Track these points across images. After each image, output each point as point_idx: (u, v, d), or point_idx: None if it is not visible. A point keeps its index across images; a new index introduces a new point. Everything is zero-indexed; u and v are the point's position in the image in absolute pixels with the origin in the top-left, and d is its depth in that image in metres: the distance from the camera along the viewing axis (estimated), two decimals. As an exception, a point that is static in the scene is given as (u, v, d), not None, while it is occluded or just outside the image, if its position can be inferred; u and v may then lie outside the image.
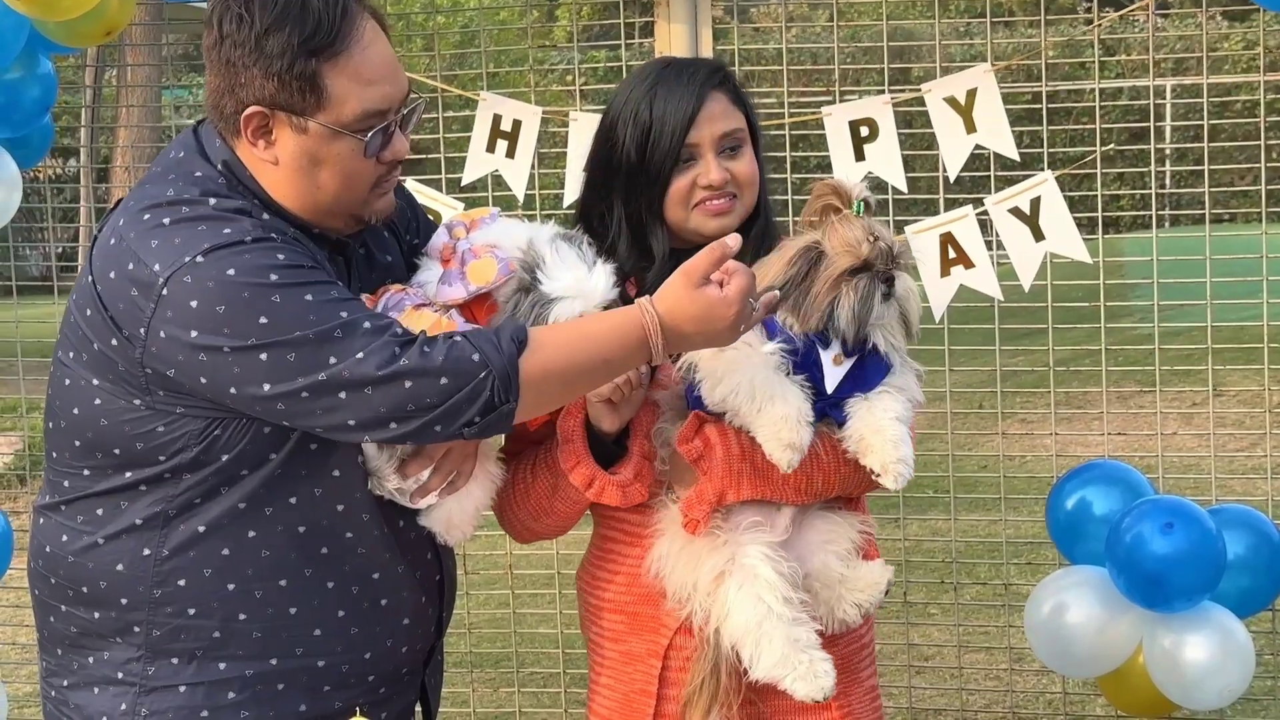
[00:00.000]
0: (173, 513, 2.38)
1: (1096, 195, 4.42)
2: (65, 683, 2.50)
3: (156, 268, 2.27)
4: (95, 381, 2.37)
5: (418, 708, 2.71)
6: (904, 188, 4.03)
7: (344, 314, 2.25)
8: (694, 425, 2.49)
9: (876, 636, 2.80)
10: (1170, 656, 3.60)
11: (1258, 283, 4.33)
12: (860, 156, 3.95)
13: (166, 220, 2.31)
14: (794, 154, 4.43)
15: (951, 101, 3.92)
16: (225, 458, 2.35)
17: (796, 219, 2.62)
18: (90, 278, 2.36)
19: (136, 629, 2.41)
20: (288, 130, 2.34)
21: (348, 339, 2.23)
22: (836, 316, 2.42)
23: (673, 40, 4.18)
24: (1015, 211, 3.89)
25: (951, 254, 3.90)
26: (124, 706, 2.42)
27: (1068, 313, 4.49)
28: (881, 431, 2.42)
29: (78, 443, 2.42)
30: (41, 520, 2.50)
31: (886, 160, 3.96)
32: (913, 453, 2.44)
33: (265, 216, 2.35)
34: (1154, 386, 4.43)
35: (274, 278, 2.25)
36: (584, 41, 6.28)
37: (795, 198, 4.34)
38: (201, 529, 2.38)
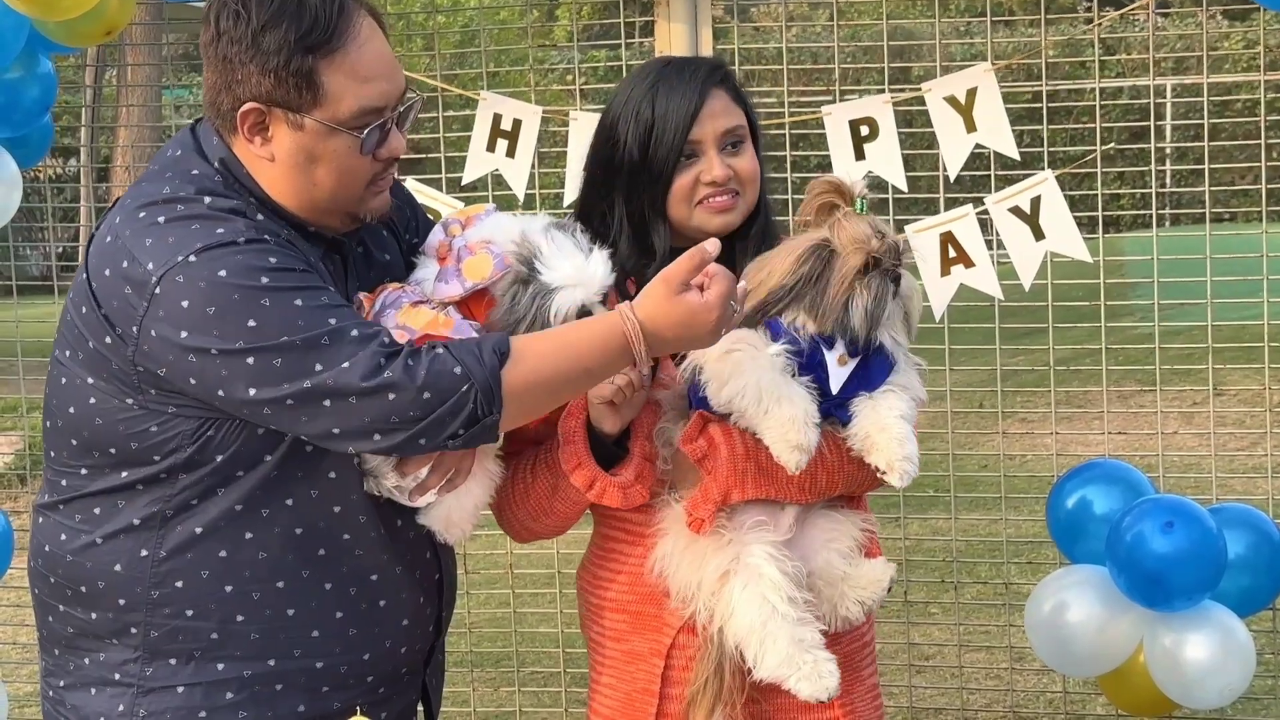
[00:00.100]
0: (170, 513, 2.38)
1: (1097, 194, 4.42)
2: (62, 683, 2.50)
3: (150, 266, 2.27)
4: (90, 380, 2.37)
5: (420, 707, 2.71)
6: (904, 187, 4.03)
7: (332, 320, 2.25)
8: (698, 425, 2.49)
9: (877, 636, 2.80)
10: (1171, 655, 3.59)
11: (1258, 282, 4.33)
12: (860, 156, 3.95)
13: (161, 219, 2.31)
14: (794, 153, 4.43)
15: (952, 101, 3.92)
16: (220, 458, 2.35)
17: (797, 218, 2.62)
18: (86, 275, 2.37)
19: (134, 630, 2.41)
20: (284, 127, 2.34)
21: (334, 346, 2.23)
22: (850, 316, 2.42)
23: (673, 40, 4.18)
24: (1015, 211, 3.89)
25: (952, 253, 3.90)
26: (122, 707, 2.42)
27: (1068, 312, 4.49)
28: (887, 430, 2.42)
29: (74, 442, 2.42)
30: (41, 519, 2.50)
31: (887, 159, 3.96)
32: (918, 451, 2.44)
33: (259, 217, 2.35)
34: (1154, 386, 4.43)
35: (265, 280, 2.24)
36: (584, 41, 6.27)
37: (795, 197, 4.33)
38: (199, 530, 2.38)
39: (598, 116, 2.71)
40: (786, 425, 2.37)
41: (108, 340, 2.33)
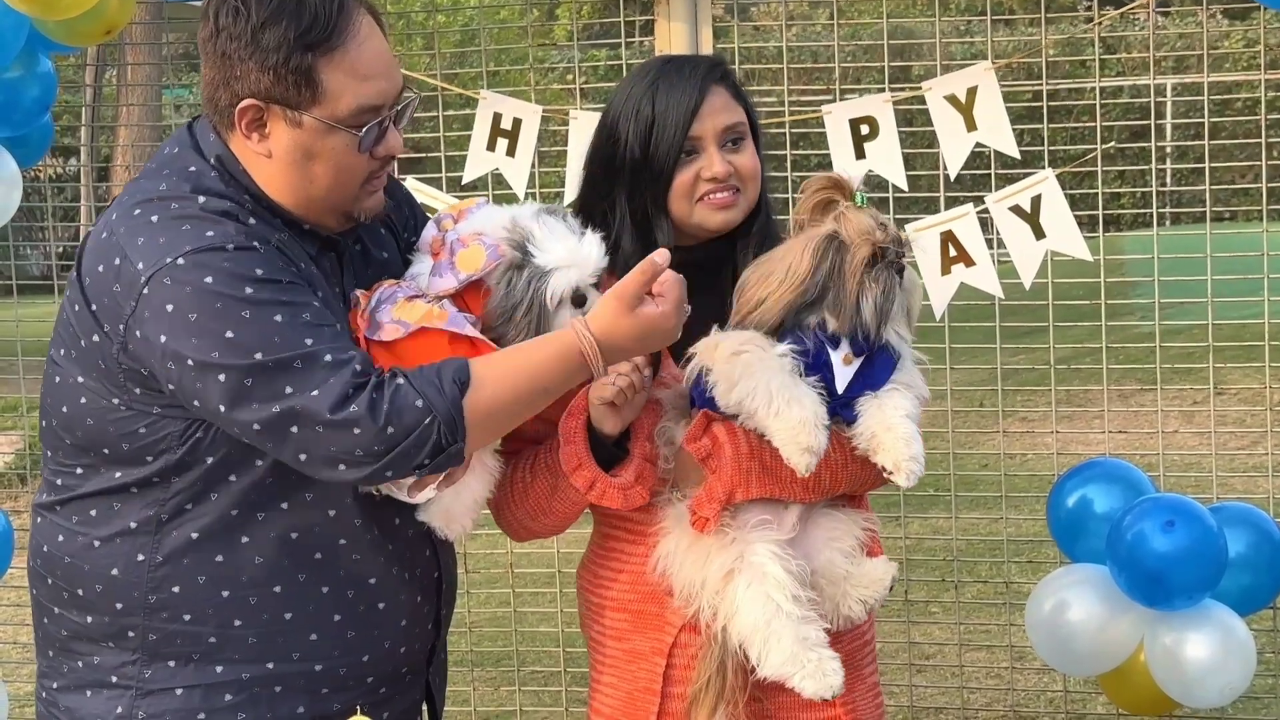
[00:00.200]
0: (164, 517, 2.38)
1: (1097, 193, 4.42)
2: (55, 685, 2.50)
3: (140, 266, 2.27)
4: (80, 379, 2.38)
5: (424, 707, 2.71)
6: (905, 186, 4.03)
7: (309, 341, 2.25)
8: (702, 424, 2.49)
9: (878, 635, 2.80)
10: (1171, 654, 3.59)
11: (1259, 281, 4.33)
12: (861, 155, 3.95)
13: (155, 218, 2.31)
14: (794, 152, 4.43)
15: (952, 100, 3.92)
16: (210, 460, 2.35)
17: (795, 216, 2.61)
18: (79, 271, 2.38)
19: (132, 633, 2.42)
20: (282, 124, 2.34)
21: (306, 370, 2.23)
22: (861, 311, 2.42)
23: (673, 39, 4.18)
24: (1016, 210, 3.89)
25: (952, 252, 3.90)
26: (120, 709, 2.42)
27: (1068, 311, 4.48)
28: (893, 429, 2.42)
29: (69, 441, 2.43)
30: (39, 519, 2.51)
31: (887, 158, 3.96)
32: (924, 450, 2.44)
33: (251, 222, 2.34)
34: (1155, 385, 4.43)
35: (249, 290, 2.25)
36: (584, 40, 6.26)
37: (796, 196, 4.32)
38: (194, 535, 2.38)
39: (598, 116, 2.71)
40: (797, 427, 2.37)
41: (95, 338, 2.34)
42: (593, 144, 2.68)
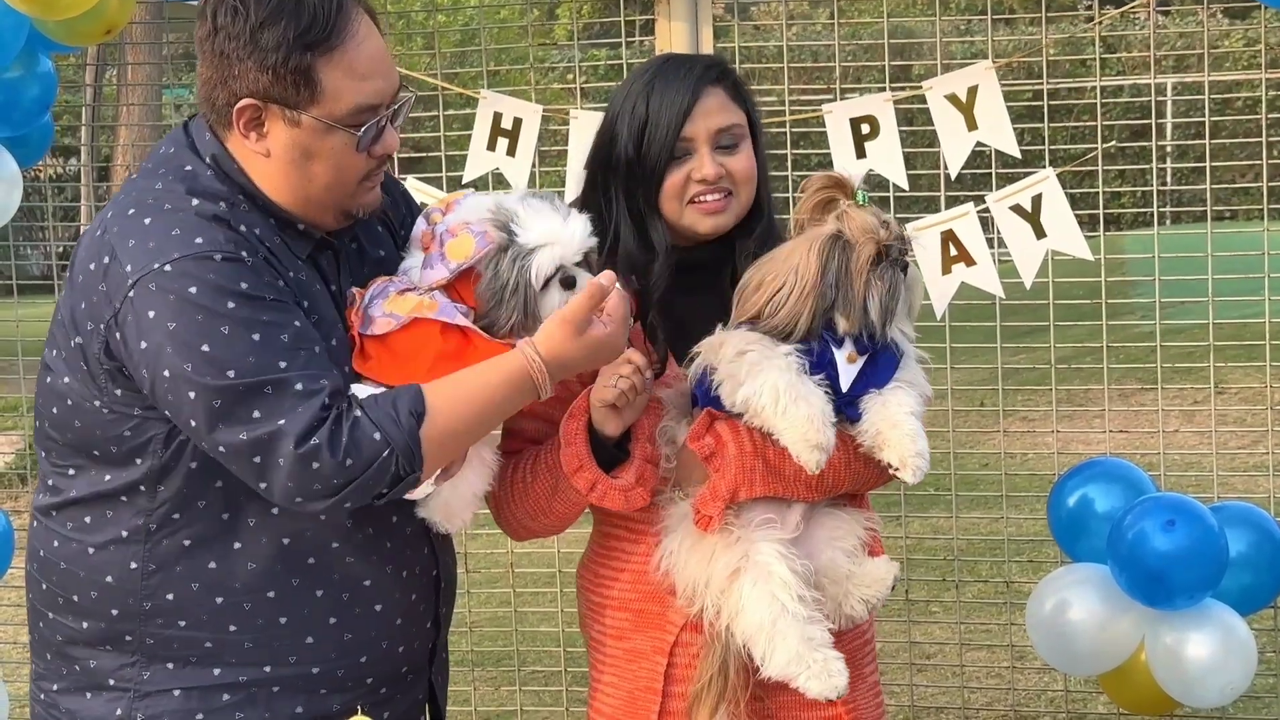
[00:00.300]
0: (154, 526, 2.38)
1: (1098, 192, 4.42)
2: (55, 687, 2.50)
3: (128, 268, 2.28)
4: (66, 380, 2.39)
5: (426, 706, 2.70)
6: (905, 185, 4.03)
7: (282, 365, 2.25)
8: (705, 423, 2.49)
9: (878, 634, 2.80)
10: (1172, 654, 3.59)
11: (1259, 280, 4.33)
12: (861, 154, 3.95)
13: (147, 220, 2.32)
14: (795, 152, 4.43)
15: (953, 99, 3.92)
16: (194, 465, 2.36)
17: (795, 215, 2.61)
18: (73, 268, 2.38)
19: (129, 638, 2.42)
20: (280, 123, 2.34)
21: (275, 397, 2.24)
22: (868, 310, 2.42)
23: (673, 38, 4.17)
24: (1017, 209, 3.89)
25: (953, 251, 3.90)
26: (119, 711, 2.42)
27: (1069, 310, 4.48)
28: (899, 427, 2.43)
29: (60, 442, 2.43)
30: (35, 523, 2.51)
31: (888, 158, 3.96)
32: (928, 447, 2.44)
33: (242, 228, 2.34)
34: (1155, 384, 4.43)
35: (230, 305, 2.25)
36: (584, 40, 6.26)
37: (796, 196, 4.32)
38: (186, 543, 2.38)
39: (598, 115, 2.71)
40: (805, 425, 2.37)
41: (78, 339, 2.35)
42: (594, 141, 2.68)
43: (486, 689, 5.48)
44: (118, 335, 2.29)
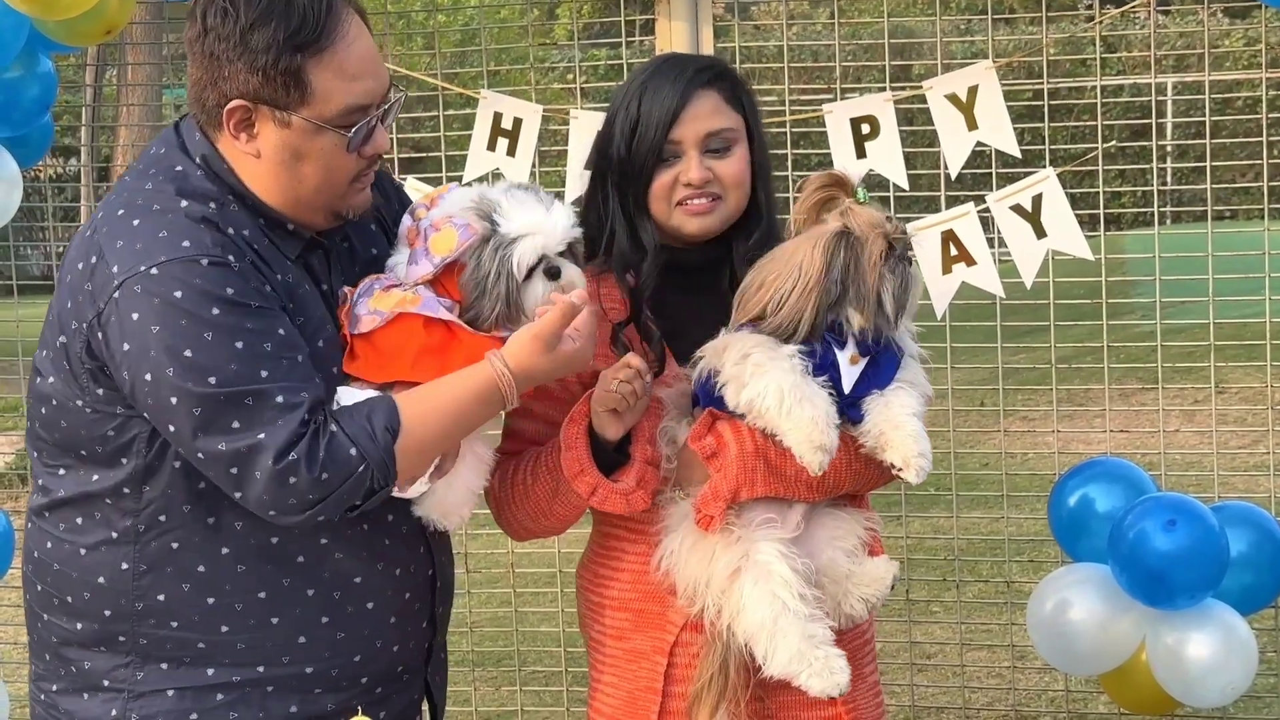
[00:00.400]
0: (143, 527, 2.39)
1: (1098, 192, 4.42)
2: (55, 687, 2.50)
3: (115, 269, 2.28)
4: (51, 380, 2.39)
5: (424, 706, 2.70)
6: (905, 185, 4.03)
7: (264, 374, 2.26)
8: (706, 423, 2.49)
9: (878, 634, 2.80)
10: (1173, 654, 3.59)
11: (1260, 279, 4.33)
12: (861, 154, 3.95)
13: (136, 221, 2.32)
14: (795, 152, 4.43)
15: (953, 99, 3.92)
16: (178, 465, 2.36)
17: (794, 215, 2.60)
18: (64, 268, 2.39)
19: (122, 639, 2.42)
20: (271, 124, 2.34)
21: (256, 409, 2.25)
22: (883, 304, 2.43)
23: (674, 38, 4.17)
24: (1017, 209, 3.89)
25: (953, 251, 3.90)
26: (114, 712, 2.43)
27: (1069, 310, 4.48)
28: (901, 427, 2.43)
29: (49, 442, 2.44)
30: (30, 525, 2.52)
31: (888, 158, 3.96)
32: (930, 447, 2.45)
33: (230, 231, 2.34)
34: (1156, 384, 4.43)
35: (215, 311, 2.25)
36: (585, 40, 6.26)
37: (796, 196, 4.32)
38: (175, 545, 2.39)
39: (598, 115, 2.72)
40: (809, 426, 2.38)
41: (63, 338, 2.35)
42: (595, 138, 2.68)
43: (487, 689, 5.48)
44: (100, 336, 2.29)
